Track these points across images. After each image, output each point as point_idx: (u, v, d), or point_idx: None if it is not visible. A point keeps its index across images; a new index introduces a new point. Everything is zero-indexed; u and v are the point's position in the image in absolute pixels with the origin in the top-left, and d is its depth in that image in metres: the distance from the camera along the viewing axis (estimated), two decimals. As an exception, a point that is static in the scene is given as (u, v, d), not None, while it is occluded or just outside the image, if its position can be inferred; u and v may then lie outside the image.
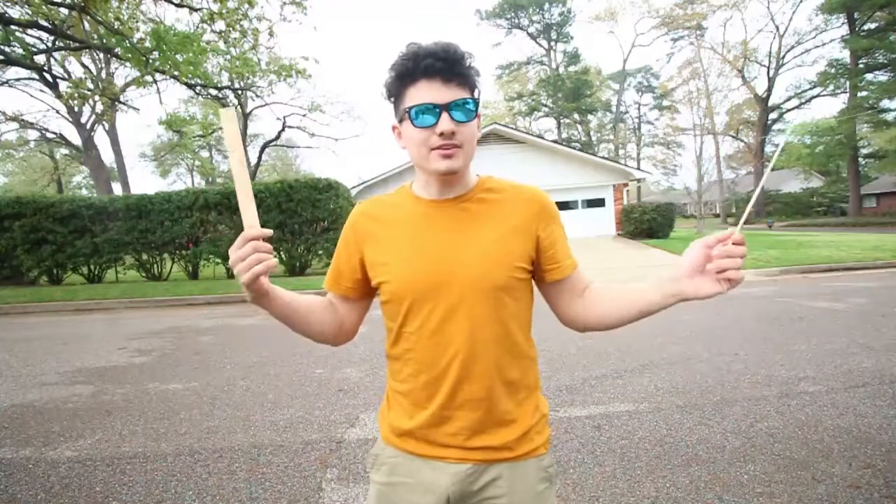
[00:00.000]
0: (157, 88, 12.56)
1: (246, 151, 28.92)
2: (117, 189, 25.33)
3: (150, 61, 10.14)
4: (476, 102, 0.84)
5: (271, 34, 12.14)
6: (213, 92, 14.45)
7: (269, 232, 0.79)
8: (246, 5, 10.90)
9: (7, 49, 10.67)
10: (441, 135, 0.81)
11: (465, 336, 0.86)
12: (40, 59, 16.12)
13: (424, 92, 0.81)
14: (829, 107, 71.34)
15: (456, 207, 0.90)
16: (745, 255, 0.75)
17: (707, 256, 0.77)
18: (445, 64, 0.80)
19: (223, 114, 0.78)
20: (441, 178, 0.88)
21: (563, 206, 19.54)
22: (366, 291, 0.98)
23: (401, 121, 0.86)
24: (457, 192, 0.91)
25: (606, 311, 0.92)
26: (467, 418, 0.88)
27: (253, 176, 27.49)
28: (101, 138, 24.68)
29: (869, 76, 28.55)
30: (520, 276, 0.89)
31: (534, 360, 0.95)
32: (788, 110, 37.81)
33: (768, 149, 38.26)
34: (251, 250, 0.77)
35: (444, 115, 0.80)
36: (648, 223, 17.33)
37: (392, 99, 0.87)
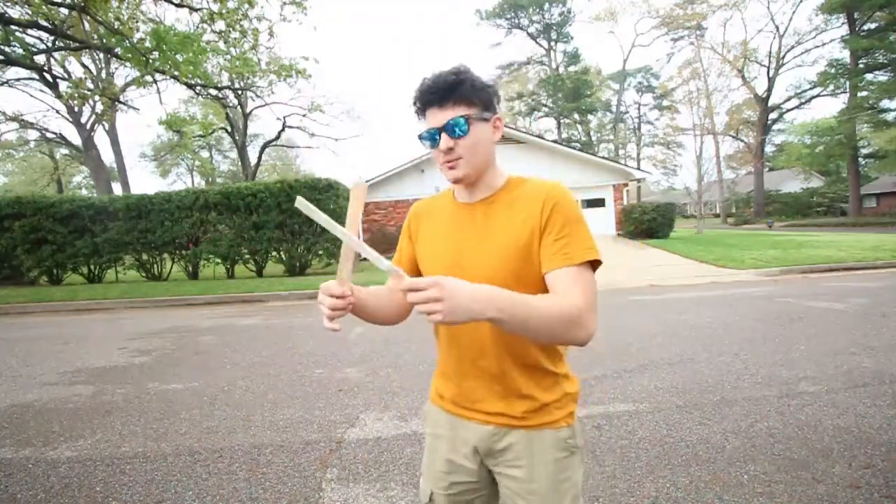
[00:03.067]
0: (157, 88, 12.59)
1: (246, 152, 28.94)
2: (117, 189, 25.34)
3: (150, 61, 10.15)
4: (466, 118, 0.95)
5: (271, 34, 12.17)
6: (213, 92, 14.47)
7: (347, 292, 0.90)
8: (246, 5, 10.91)
9: (7, 49, 10.68)
10: (443, 152, 0.98)
11: (480, 324, 0.97)
12: (40, 59, 16.13)
13: (430, 119, 0.98)
14: (829, 107, 71.36)
15: (480, 209, 1.03)
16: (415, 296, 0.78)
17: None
18: (436, 95, 0.96)
19: (353, 190, 0.89)
20: (461, 184, 1.04)
21: (563, 206, 19.51)
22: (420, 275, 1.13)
23: None
24: (483, 194, 1.04)
25: None
26: (486, 388, 1.03)
27: (253, 176, 27.49)
28: (101, 138, 24.71)
29: (869, 76, 28.53)
30: (531, 272, 0.97)
31: (555, 349, 1.04)
32: (788, 110, 37.88)
33: (768, 149, 38.23)
34: (324, 300, 0.90)
35: (442, 136, 0.97)
36: (648, 223, 17.33)
37: None
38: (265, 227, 11.72)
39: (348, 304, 0.91)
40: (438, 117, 0.97)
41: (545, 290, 0.95)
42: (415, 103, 1.00)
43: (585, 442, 1.04)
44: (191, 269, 12.35)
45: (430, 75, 0.99)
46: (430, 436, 1.15)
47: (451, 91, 0.95)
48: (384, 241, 16.33)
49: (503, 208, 1.01)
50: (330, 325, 0.89)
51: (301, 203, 0.82)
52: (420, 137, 1.01)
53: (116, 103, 16.93)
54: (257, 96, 19.34)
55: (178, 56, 10.12)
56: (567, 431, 1.04)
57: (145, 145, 40.74)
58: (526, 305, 0.83)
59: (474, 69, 1.00)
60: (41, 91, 22.06)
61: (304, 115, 26.82)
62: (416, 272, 1.13)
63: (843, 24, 30.72)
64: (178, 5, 11.08)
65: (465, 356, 1.04)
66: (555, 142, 25.33)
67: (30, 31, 11.30)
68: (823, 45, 34.91)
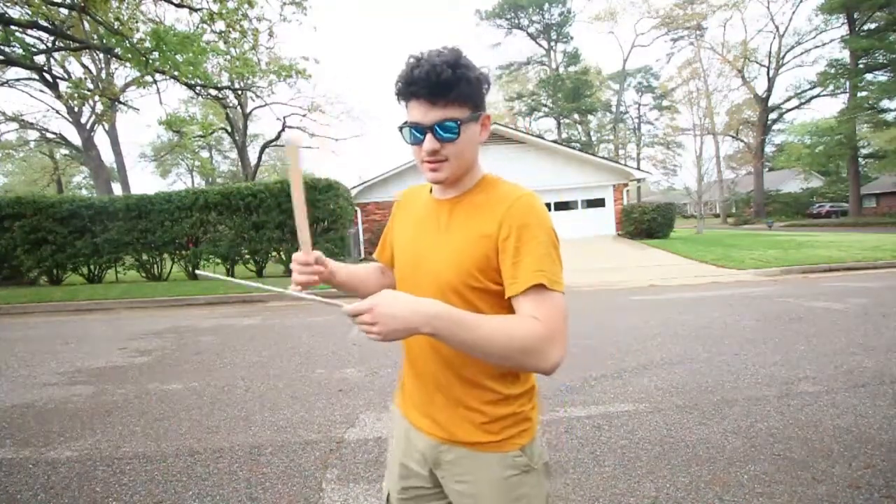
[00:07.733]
0: (157, 88, 12.59)
1: (246, 152, 28.96)
2: (117, 189, 25.31)
3: (150, 61, 10.14)
4: (458, 122, 0.86)
5: (271, 34, 12.20)
6: (213, 92, 14.46)
7: (309, 259, 1.02)
8: (246, 5, 10.91)
9: (7, 49, 10.67)
10: (426, 151, 0.89)
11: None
12: (40, 59, 16.11)
13: (414, 111, 0.88)
14: (829, 107, 71.37)
15: (446, 207, 0.98)
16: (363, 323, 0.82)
17: None
18: (428, 89, 0.85)
19: (288, 150, 0.97)
20: (440, 185, 0.98)
21: (563, 206, 19.53)
22: None
23: None
24: (454, 192, 0.98)
25: None
26: (429, 397, 1.00)
27: (253, 176, 27.48)
28: (101, 138, 24.66)
29: (869, 76, 28.51)
30: (475, 285, 0.90)
31: (502, 371, 0.94)
32: (788, 110, 37.83)
33: (768, 149, 38.18)
34: (294, 267, 1.03)
35: (429, 136, 0.87)
36: (648, 223, 17.33)
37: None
38: (265, 227, 11.71)
39: (315, 272, 1.00)
40: (426, 115, 0.86)
41: (481, 298, 0.90)
42: (398, 88, 0.89)
43: (548, 461, 1.01)
44: (191, 269, 12.34)
45: (420, 60, 0.86)
46: (392, 437, 1.13)
47: (446, 89, 0.84)
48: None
49: (467, 210, 0.94)
50: (294, 287, 0.99)
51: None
52: (401, 129, 0.92)
53: (116, 103, 16.93)
54: (257, 96, 19.36)
55: (178, 56, 10.11)
56: (516, 453, 0.94)
57: (145, 145, 40.76)
58: (470, 328, 0.78)
59: (468, 55, 0.89)
60: (41, 91, 22.01)
61: (303, 116, 26.83)
62: None
63: (843, 24, 30.70)
64: (178, 5, 11.08)
65: (414, 360, 1.02)
66: (555, 142, 25.35)
67: (30, 32, 11.27)
68: (823, 45, 34.75)
